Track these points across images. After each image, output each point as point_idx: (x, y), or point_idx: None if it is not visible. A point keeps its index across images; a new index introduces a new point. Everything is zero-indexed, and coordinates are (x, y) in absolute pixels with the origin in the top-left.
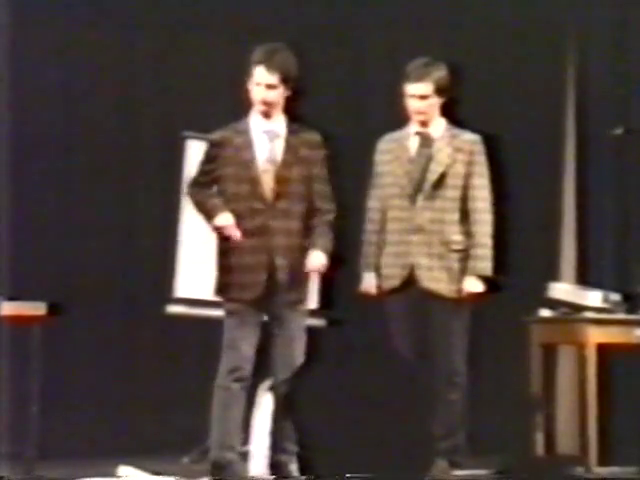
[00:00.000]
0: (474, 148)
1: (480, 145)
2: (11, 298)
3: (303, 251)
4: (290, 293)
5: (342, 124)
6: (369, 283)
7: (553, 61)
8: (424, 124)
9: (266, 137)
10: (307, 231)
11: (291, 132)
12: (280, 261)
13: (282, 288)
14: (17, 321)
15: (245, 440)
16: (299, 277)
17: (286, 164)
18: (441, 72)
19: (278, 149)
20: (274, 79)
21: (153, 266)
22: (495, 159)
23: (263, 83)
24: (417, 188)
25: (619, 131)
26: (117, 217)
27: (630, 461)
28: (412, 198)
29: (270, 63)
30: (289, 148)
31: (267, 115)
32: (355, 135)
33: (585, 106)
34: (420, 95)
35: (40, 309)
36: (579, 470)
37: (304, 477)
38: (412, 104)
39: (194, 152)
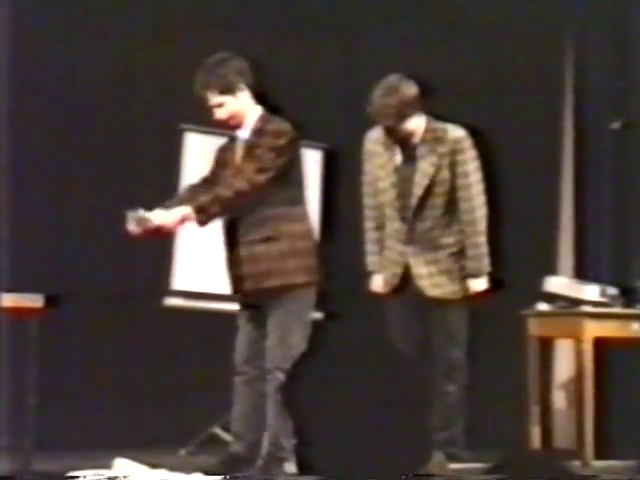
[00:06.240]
0: (457, 147)
1: (464, 141)
2: (9, 290)
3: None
4: None
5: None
6: (378, 283)
7: (551, 55)
8: (403, 140)
9: None
10: None
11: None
12: None
13: None
14: (15, 313)
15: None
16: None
17: None
18: (400, 96)
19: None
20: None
21: (151, 258)
22: (491, 153)
23: None
24: (405, 202)
25: (617, 125)
26: (115, 209)
27: (627, 455)
28: (402, 211)
29: None
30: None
31: None
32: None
33: (583, 100)
34: (385, 126)
35: (38, 301)
36: (576, 464)
37: (304, 477)
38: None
39: (192, 145)
